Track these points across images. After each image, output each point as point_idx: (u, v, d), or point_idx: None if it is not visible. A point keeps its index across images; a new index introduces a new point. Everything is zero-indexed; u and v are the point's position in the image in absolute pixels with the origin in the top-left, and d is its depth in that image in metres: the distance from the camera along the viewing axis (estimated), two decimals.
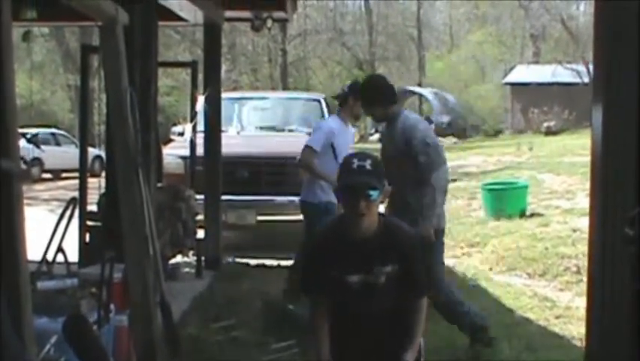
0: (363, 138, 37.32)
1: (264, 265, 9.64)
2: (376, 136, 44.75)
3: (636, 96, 2.95)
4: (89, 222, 7.74)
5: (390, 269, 3.69)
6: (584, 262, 7.86)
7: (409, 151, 6.18)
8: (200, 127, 9.67)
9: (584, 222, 8.87)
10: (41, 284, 4.80)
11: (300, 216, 7.76)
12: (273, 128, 12.29)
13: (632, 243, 2.36)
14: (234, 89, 34.02)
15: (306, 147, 7.25)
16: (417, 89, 49.98)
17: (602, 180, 3.13)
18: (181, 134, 12.20)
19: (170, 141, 12.31)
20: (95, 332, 4.18)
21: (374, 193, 3.59)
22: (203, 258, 8.87)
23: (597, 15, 3.25)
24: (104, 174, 6.62)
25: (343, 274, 3.71)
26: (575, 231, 10.84)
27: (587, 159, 3.47)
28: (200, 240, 8.99)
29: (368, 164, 3.62)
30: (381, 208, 3.83)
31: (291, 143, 11.33)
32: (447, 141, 39.50)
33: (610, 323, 3.05)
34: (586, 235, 3.35)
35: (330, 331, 3.86)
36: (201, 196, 9.20)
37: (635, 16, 2.94)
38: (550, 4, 41.57)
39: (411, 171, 6.14)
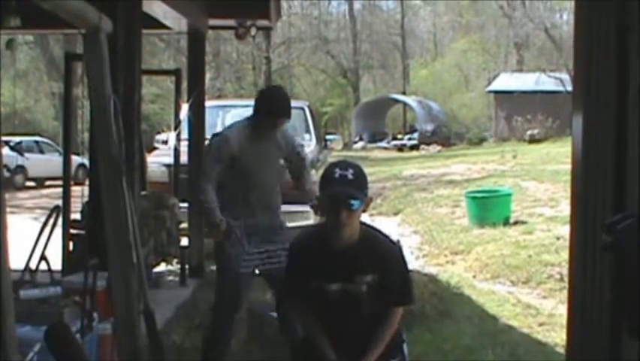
0: (347, 146, 37.39)
1: None
2: (360, 144, 44.87)
3: (615, 105, 2.98)
4: (73, 231, 7.73)
5: (371, 278, 3.70)
6: (567, 270, 7.91)
7: None
8: (185, 135, 9.66)
9: (567, 230, 8.89)
10: (24, 293, 4.79)
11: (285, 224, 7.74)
12: None
13: (609, 250, 2.39)
14: (219, 97, 34.03)
15: None
16: (401, 98, 50.12)
17: (583, 188, 3.16)
18: (165, 142, 12.19)
19: (155, 149, 12.29)
20: (78, 340, 4.17)
21: (355, 203, 3.60)
22: (187, 266, 8.86)
23: (577, 24, 3.29)
24: (87, 182, 6.62)
25: (323, 282, 3.72)
26: (558, 238, 10.89)
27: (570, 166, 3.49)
28: (184, 248, 8.98)
29: (350, 173, 3.62)
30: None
31: None
32: (431, 149, 39.63)
33: (590, 330, 3.07)
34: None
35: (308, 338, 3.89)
36: (185, 204, 9.19)
37: (614, 26, 2.98)
38: (534, 12, 41.80)
39: None
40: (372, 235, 3.82)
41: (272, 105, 5.89)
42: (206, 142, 5.91)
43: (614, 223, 2.37)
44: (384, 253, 3.76)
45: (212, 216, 5.50)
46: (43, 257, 6.01)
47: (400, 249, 4.01)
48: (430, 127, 43.80)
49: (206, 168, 5.66)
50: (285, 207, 8.34)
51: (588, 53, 3.09)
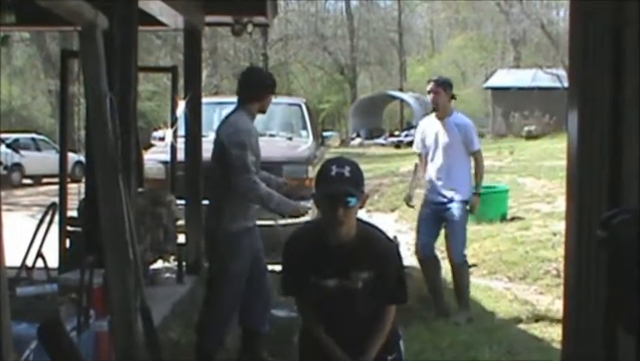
0: (344, 143, 37.36)
1: None
2: (357, 141, 44.87)
3: (610, 101, 2.99)
4: (69, 228, 7.72)
5: (367, 275, 3.70)
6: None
7: None
8: (181, 132, 9.65)
9: (564, 226, 8.93)
10: (20, 290, 4.78)
11: (280, 221, 7.75)
12: None
13: (604, 245, 2.39)
14: (216, 93, 34.01)
15: None
16: (398, 94, 50.14)
17: (578, 184, 3.16)
18: (162, 139, 12.16)
19: (151, 146, 12.27)
20: (70, 336, 4.16)
21: (352, 200, 3.59)
22: (184, 263, 8.85)
23: (571, 21, 3.29)
24: (84, 179, 6.60)
25: (320, 278, 3.72)
26: (555, 234, 10.91)
27: None
28: (181, 245, 8.97)
29: (347, 171, 3.62)
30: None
31: (271, 147, 11.33)
32: None
33: (586, 325, 3.08)
34: None
35: (308, 333, 3.90)
36: (182, 201, 9.18)
37: (609, 23, 2.98)
38: (531, 9, 41.83)
39: None
40: (369, 232, 3.82)
41: (270, 84, 6.17)
42: (234, 138, 5.87)
43: (609, 219, 2.37)
44: (380, 251, 3.76)
45: (289, 204, 5.96)
46: (39, 254, 5.99)
47: (396, 246, 4.02)
48: None
49: (248, 165, 5.74)
50: None
51: (583, 50, 3.09)
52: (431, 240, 7.73)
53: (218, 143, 6.02)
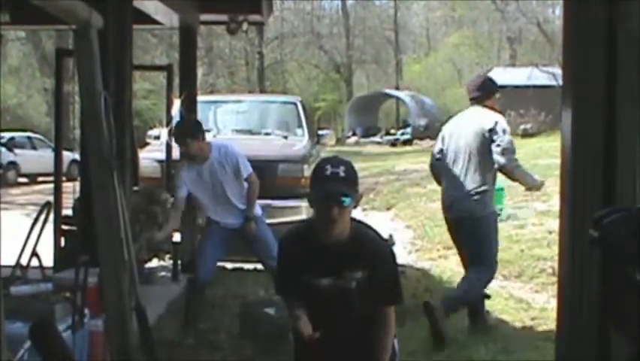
0: (339, 141, 37.37)
1: (240, 269, 9.63)
2: (354, 139, 44.86)
3: (604, 101, 2.99)
4: (65, 227, 7.71)
5: (360, 275, 3.70)
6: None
7: None
8: None
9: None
10: (15, 289, 4.77)
11: (275, 220, 7.75)
12: (249, 132, 12.25)
13: (596, 244, 2.39)
14: (211, 92, 33.98)
15: None
16: (394, 92, 50.11)
17: (571, 183, 3.17)
18: (157, 137, 12.17)
19: (147, 144, 12.27)
20: (62, 335, 4.15)
21: (347, 200, 3.59)
22: (179, 262, 8.84)
23: (566, 19, 3.30)
24: (80, 178, 6.59)
25: (313, 277, 3.71)
26: (550, 233, 10.91)
27: None
28: (176, 243, 8.96)
29: (342, 170, 3.62)
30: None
31: (266, 146, 11.34)
32: (424, 144, 39.65)
33: (579, 324, 3.08)
34: None
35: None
36: None
37: (603, 21, 2.98)
38: (527, 7, 41.80)
39: None
40: (363, 232, 3.81)
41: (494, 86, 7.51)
42: (503, 125, 7.21)
43: (601, 218, 2.37)
44: (374, 251, 3.76)
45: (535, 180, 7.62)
46: (34, 253, 5.99)
47: (390, 246, 4.01)
48: (423, 122, 43.79)
49: (514, 148, 7.20)
50: (276, 203, 8.36)
51: (577, 49, 3.10)
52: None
53: (480, 132, 7.03)
